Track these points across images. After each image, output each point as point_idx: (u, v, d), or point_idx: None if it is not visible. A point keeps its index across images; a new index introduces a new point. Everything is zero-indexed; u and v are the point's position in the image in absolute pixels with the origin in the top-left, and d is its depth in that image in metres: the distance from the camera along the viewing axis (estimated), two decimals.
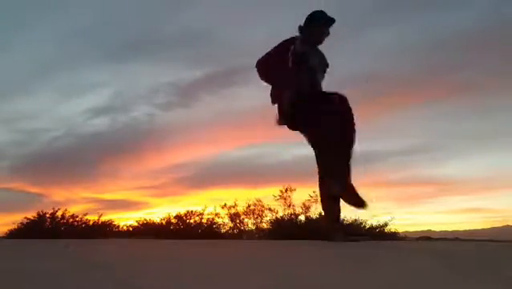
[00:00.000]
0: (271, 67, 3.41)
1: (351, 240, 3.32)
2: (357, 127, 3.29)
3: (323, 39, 3.53)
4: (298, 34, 3.47)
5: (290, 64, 3.31)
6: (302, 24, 3.49)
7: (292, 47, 3.39)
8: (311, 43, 3.51)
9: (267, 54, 3.45)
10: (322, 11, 3.51)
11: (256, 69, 3.47)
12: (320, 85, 3.55)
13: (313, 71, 3.46)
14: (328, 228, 3.44)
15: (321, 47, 3.64)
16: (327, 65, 3.62)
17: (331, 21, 3.48)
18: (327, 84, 3.68)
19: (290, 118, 3.43)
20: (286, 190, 6.26)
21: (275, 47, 3.42)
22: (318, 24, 3.48)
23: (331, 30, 3.54)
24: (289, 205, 6.16)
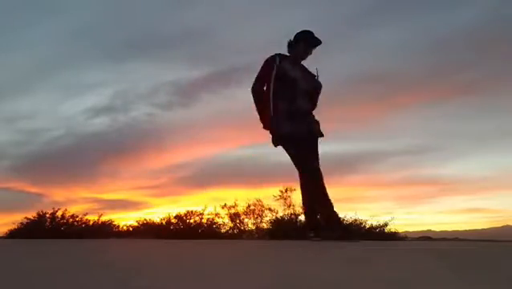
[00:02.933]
0: (262, 92, 3.79)
1: (323, 238, 3.55)
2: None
3: (305, 58, 3.85)
4: (277, 51, 3.82)
5: (272, 80, 3.64)
6: (291, 39, 3.84)
7: (274, 65, 3.72)
8: (293, 59, 3.82)
9: (256, 78, 3.81)
10: (310, 31, 3.81)
11: (252, 95, 3.84)
12: (304, 97, 3.74)
13: (295, 83, 3.70)
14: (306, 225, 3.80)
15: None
16: (316, 85, 3.85)
17: (318, 42, 3.78)
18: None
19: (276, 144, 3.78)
20: (286, 190, 6.27)
21: (261, 68, 3.75)
22: (305, 44, 3.80)
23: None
24: (289, 205, 6.17)
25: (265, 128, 3.80)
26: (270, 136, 3.79)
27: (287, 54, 3.93)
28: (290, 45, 3.97)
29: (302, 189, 3.82)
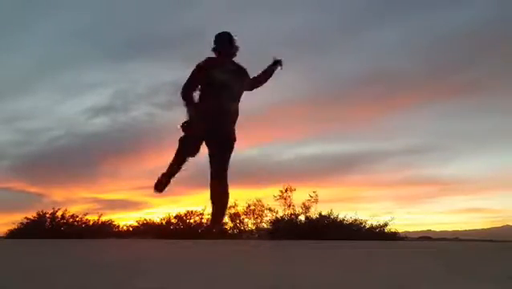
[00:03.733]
0: (190, 97, 3.69)
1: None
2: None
3: (234, 53, 3.71)
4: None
5: (200, 87, 3.57)
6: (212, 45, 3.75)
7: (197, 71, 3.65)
8: (219, 61, 3.70)
9: (184, 86, 3.71)
10: (222, 32, 3.72)
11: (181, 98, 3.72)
12: (234, 95, 3.68)
13: (224, 86, 3.62)
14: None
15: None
16: (243, 72, 3.76)
17: (226, 36, 3.66)
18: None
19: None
20: (286, 190, 6.27)
21: (188, 77, 3.65)
22: (219, 44, 3.71)
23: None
24: (289, 205, 6.17)
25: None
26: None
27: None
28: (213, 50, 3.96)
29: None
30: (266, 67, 3.78)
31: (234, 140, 3.62)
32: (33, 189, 10.84)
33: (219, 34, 3.84)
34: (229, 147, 3.58)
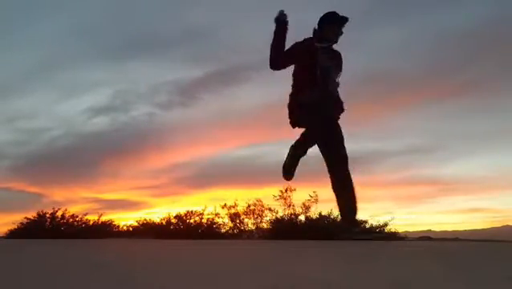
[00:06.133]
0: (282, 64, 3.59)
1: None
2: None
3: (337, 39, 3.61)
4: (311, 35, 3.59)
5: (304, 63, 3.46)
6: (315, 27, 3.61)
7: (303, 47, 3.53)
8: (324, 43, 3.57)
9: (278, 55, 3.58)
10: (334, 12, 3.59)
11: (272, 65, 3.59)
12: (334, 85, 3.61)
13: (325, 71, 3.51)
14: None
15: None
16: (339, 68, 3.69)
17: (344, 20, 3.56)
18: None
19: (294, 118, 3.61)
20: (286, 190, 6.25)
21: (288, 49, 3.54)
22: (330, 24, 3.56)
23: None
24: (289, 205, 6.16)
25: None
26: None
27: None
28: (315, 32, 3.73)
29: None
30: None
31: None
32: (33, 189, 10.84)
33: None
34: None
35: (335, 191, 3.47)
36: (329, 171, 3.50)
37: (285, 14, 3.62)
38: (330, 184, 3.52)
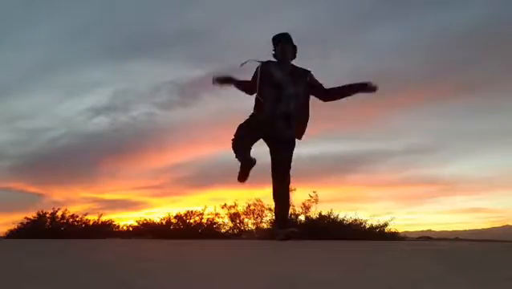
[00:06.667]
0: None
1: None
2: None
3: (288, 55, 3.80)
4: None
5: (257, 82, 3.70)
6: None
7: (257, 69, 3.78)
8: (278, 62, 3.81)
9: (247, 89, 3.90)
10: (278, 34, 3.83)
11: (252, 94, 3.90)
12: (291, 97, 3.73)
13: (278, 85, 3.73)
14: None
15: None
16: (303, 75, 3.82)
17: (282, 37, 3.78)
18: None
19: None
20: None
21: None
22: (275, 46, 3.82)
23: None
24: None
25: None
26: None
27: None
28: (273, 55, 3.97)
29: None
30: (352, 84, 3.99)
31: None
32: (33, 189, 10.85)
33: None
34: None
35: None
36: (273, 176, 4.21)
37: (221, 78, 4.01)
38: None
